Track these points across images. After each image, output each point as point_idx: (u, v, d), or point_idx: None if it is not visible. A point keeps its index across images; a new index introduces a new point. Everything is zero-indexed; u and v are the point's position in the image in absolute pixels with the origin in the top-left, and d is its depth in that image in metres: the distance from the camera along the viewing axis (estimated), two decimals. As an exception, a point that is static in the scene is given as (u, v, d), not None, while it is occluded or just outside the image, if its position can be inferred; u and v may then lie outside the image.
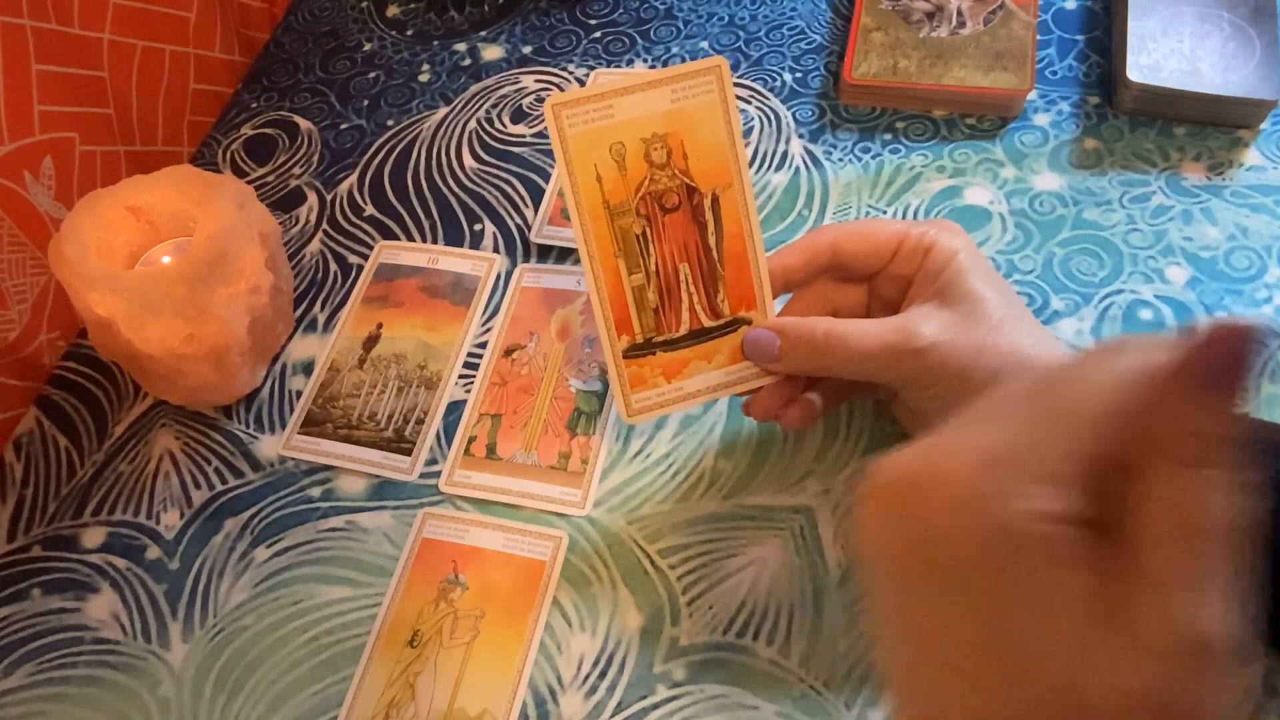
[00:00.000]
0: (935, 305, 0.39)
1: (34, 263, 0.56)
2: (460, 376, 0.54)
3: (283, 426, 0.53)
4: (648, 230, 0.41)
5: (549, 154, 0.62)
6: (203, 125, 0.68)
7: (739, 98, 0.62)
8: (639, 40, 0.67)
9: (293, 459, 0.52)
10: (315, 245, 0.61)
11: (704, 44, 0.66)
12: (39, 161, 0.55)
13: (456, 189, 0.62)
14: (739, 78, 0.64)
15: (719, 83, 0.40)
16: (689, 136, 0.40)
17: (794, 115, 0.61)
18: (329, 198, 0.63)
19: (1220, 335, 0.21)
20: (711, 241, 0.41)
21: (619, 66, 0.66)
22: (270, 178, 0.65)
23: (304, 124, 0.67)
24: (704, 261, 0.42)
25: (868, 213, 0.56)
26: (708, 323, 0.42)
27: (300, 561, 0.49)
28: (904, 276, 0.41)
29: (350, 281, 0.59)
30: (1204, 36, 0.56)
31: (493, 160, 0.63)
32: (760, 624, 0.44)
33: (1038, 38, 0.59)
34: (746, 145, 0.60)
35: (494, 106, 0.65)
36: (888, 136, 0.59)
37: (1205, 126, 0.56)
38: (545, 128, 0.62)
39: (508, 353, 0.54)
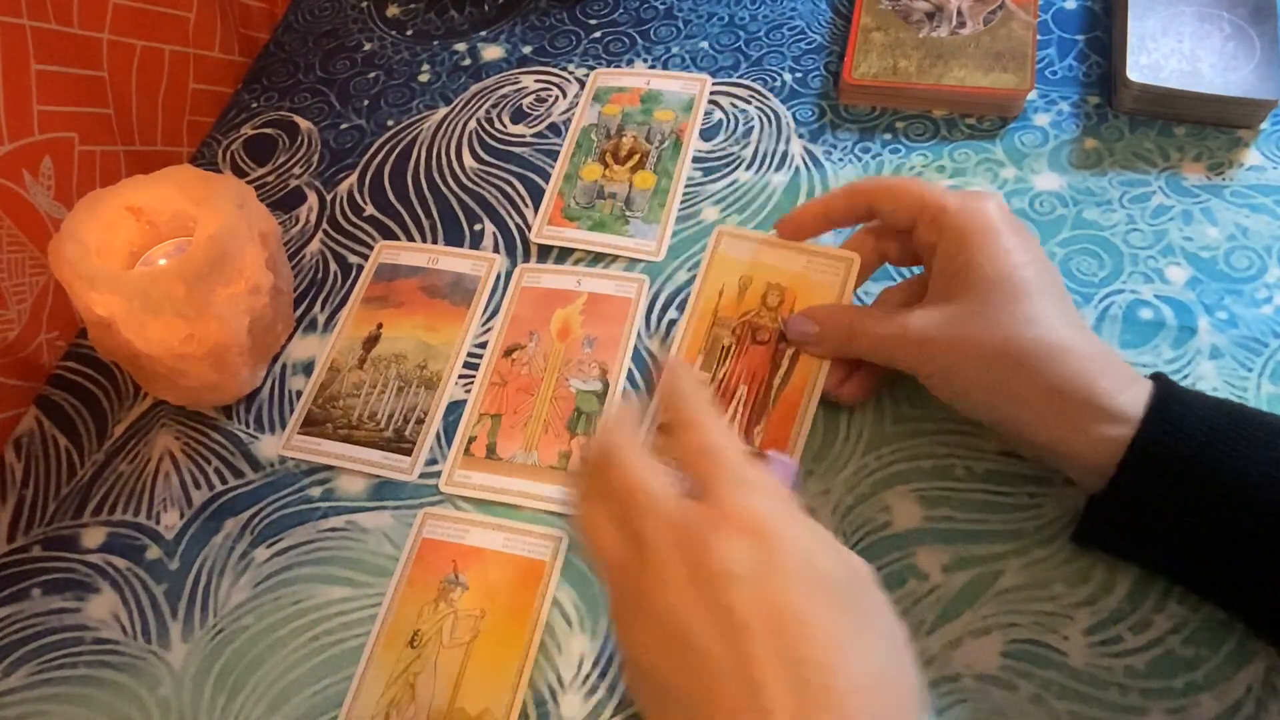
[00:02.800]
0: (937, 300, 0.43)
1: (34, 263, 0.56)
2: (460, 376, 0.54)
3: (283, 426, 0.53)
4: (734, 347, 0.47)
5: (549, 154, 0.62)
6: (203, 125, 0.68)
7: (739, 98, 0.62)
8: (639, 40, 0.67)
9: (293, 459, 0.52)
10: (315, 245, 0.61)
11: (704, 44, 0.66)
12: (39, 161, 0.55)
13: (456, 189, 0.62)
14: (739, 78, 0.64)
15: (846, 271, 0.47)
16: (803, 297, 0.48)
17: (794, 115, 0.61)
18: (329, 198, 0.63)
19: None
20: (776, 382, 0.46)
21: (619, 66, 0.66)
22: (270, 178, 0.65)
23: (304, 124, 0.67)
24: (760, 394, 0.46)
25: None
26: None
27: (300, 561, 0.49)
28: (929, 243, 0.44)
29: (350, 281, 0.59)
30: (1204, 36, 0.56)
31: (493, 160, 0.63)
32: (760, 624, 0.44)
33: (1038, 38, 0.59)
34: (746, 146, 0.60)
35: (494, 106, 0.65)
36: (888, 136, 0.59)
37: (1205, 126, 0.56)
38: (547, 129, 0.63)
39: (508, 353, 0.54)
